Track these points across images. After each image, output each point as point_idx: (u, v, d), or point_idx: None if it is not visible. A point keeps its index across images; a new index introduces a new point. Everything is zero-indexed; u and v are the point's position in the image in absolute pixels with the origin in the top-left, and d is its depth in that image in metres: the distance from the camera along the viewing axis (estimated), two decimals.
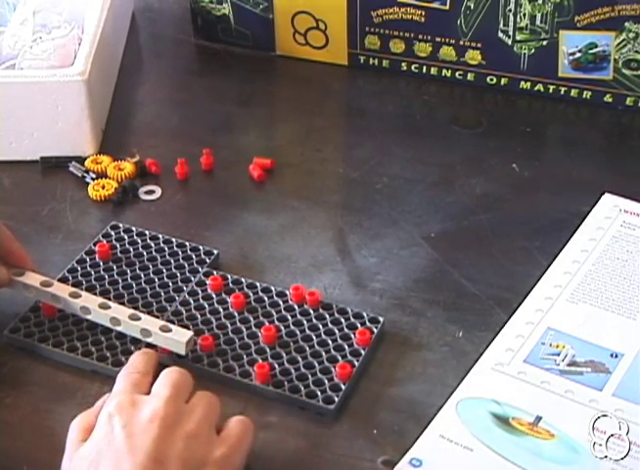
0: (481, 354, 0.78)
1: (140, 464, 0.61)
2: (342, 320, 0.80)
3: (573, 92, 1.07)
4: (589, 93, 1.06)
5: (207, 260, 0.86)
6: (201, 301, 0.82)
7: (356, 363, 0.76)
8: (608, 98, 1.06)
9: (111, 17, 1.08)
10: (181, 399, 0.67)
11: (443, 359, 0.78)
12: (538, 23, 1.04)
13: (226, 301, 0.82)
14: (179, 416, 0.65)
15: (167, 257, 0.87)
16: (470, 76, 1.10)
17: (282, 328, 0.80)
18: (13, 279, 0.80)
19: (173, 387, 0.67)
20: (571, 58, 1.05)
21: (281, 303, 0.82)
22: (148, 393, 0.68)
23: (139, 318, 0.77)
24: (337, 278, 0.86)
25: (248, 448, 0.68)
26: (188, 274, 0.85)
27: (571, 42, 1.04)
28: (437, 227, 0.91)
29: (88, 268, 0.85)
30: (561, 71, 1.06)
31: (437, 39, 1.09)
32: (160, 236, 0.89)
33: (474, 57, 1.09)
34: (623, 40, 1.02)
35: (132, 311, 0.78)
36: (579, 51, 1.04)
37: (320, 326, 0.80)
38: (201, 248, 0.87)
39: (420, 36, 1.09)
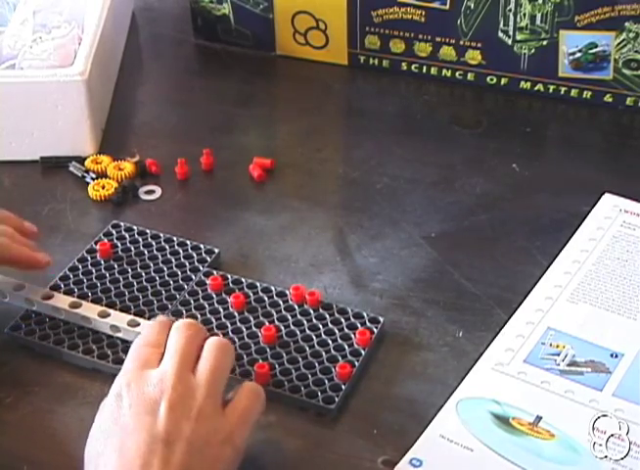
0: (482, 354, 0.78)
1: (145, 443, 0.62)
2: (343, 320, 0.80)
3: (574, 92, 1.07)
4: (589, 93, 1.06)
5: (208, 259, 0.86)
6: (201, 300, 0.82)
7: (356, 363, 0.76)
8: (608, 98, 1.06)
9: (111, 17, 1.08)
10: (188, 369, 0.66)
11: (443, 359, 0.78)
12: (538, 22, 1.04)
13: (226, 300, 0.82)
14: (185, 394, 0.64)
15: (168, 255, 0.87)
16: (470, 76, 1.10)
17: (282, 328, 0.80)
18: (14, 293, 0.81)
19: (180, 356, 0.67)
20: (571, 58, 1.05)
21: (281, 303, 0.82)
22: (158, 365, 0.67)
23: (138, 324, 0.78)
24: (337, 278, 0.86)
25: (253, 422, 0.67)
26: (189, 273, 0.85)
27: (571, 42, 1.04)
28: (438, 227, 0.91)
29: (89, 267, 0.86)
30: (561, 71, 1.06)
31: (437, 39, 1.09)
32: (162, 235, 0.89)
33: (474, 57, 1.09)
34: (623, 40, 1.02)
35: (131, 317, 0.79)
36: (579, 51, 1.04)
37: (320, 326, 0.80)
38: (202, 246, 0.87)
39: (420, 36, 1.09)
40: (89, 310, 0.80)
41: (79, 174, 0.98)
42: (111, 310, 0.80)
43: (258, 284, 0.84)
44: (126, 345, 0.78)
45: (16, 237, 0.81)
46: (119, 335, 0.78)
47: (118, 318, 0.79)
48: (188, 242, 0.88)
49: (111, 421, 0.64)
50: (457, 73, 1.11)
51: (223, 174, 0.99)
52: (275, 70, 1.16)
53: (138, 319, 0.79)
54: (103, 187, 0.96)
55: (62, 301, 0.80)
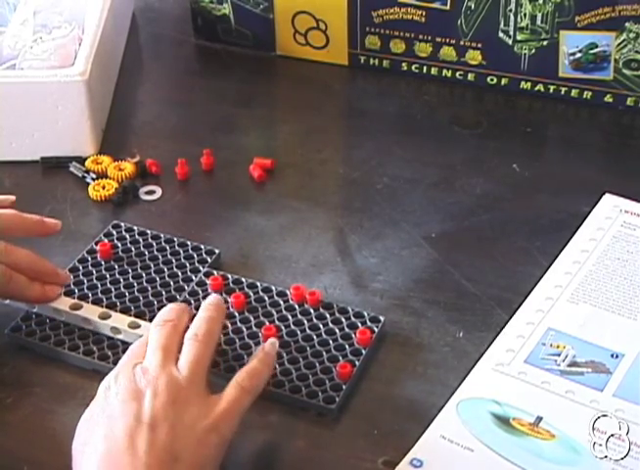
0: (482, 355, 0.78)
1: (131, 426, 0.63)
2: (343, 320, 0.80)
3: (574, 92, 1.07)
4: (589, 93, 1.06)
5: (209, 260, 0.86)
6: (201, 301, 0.82)
7: (357, 363, 0.76)
8: (608, 98, 1.06)
9: (111, 17, 1.08)
10: (171, 361, 0.68)
11: (444, 360, 0.78)
12: (539, 23, 1.04)
13: (227, 300, 0.82)
14: (170, 382, 0.66)
15: (169, 256, 0.87)
16: (470, 77, 1.10)
17: (282, 328, 0.80)
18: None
19: (162, 351, 0.69)
20: (571, 58, 1.05)
21: (281, 302, 0.82)
22: None
23: (138, 326, 0.78)
24: (337, 278, 0.86)
25: (242, 412, 0.68)
26: (190, 273, 0.85)
27: (571, 42, 1.04)
28: (438, 227, 0.91)
29: (90, 267, 0.86)
30: (561, 72, 1.06)
31: (438, 39, 1.09)
32: (162, 235, 0.89)
33: (474, 57, 1.09)
34: (624, 40, 1.02)
35: (131, 319, 0.79)
36: (580, 51, 1.04)
37: (321, 326, 0.80)
38: (202, 247, 0.87)
39: (420, 36, 1.09)
40: (90, 312, 0.80)
41: (80, 175, 0.98)
42: (111, 312, 0.80)
43: (259, 284, 0.84)
44: (126, 346, 0.77)
45: (31, 268, 0.80)
46: (120, 337, 0.78)
47: (119, 320, 0.79)
48: (188, 242, 0.88)
49: (98, 411, 0.66)
50: (457, 74, 1.11)
51: (223, 174, 0.99)
52: (275, 70, 1.16)
53: (139, 321, 0.79)
54: (103, 187, 0.96)
55: (62, 302, 0.80)
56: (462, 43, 1.08)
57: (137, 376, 0.67)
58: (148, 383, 0.66)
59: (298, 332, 0.79)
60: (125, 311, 0.81)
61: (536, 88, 1.08)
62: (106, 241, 0.88)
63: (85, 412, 0.67)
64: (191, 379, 0.67)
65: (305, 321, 0.80)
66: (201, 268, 0.85)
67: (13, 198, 0.85)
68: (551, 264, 0.86)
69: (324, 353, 0.77)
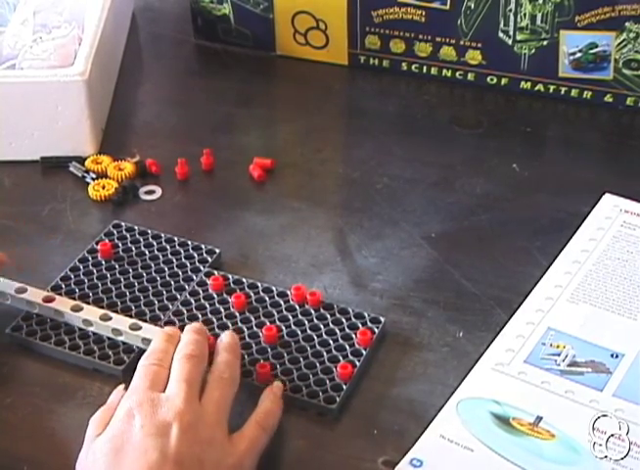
0: (482, 355, 0.78)
1: (157, 463, 0.62)
2: (344, 320, 0.80)
3: (574, 92, 1.07)
4: (589, 93, 1.06)
5: (209, 259, 0.86)
6: (202, 300, 0.82)
7: (357, 363, 0.76)
8: (608, 98, 1.06)
9: (111, 17, 1.08)
10: (195, 396, 0.68)
11: (444, 360, 0.78)
12: (539, 22, 1.04)
13: (227, 301, 0.82)
14: (196, 419, 0.66)
15: (169, 255, 0.87)
16: (470, 76, 1.10)
17: (283, 328, 0.80)
18: (15, 296, 0.81)
19: (186, 385, 0.68)
20: (571, 58, 1.05)
21: (282, 303, 0.82)
22: (166, 385, 0.69)
23: (140, 328, 0.78)
24: (337, 278, 0.86)
25: (261, 449, 0.69)
26: (190, 273, 0.85)
27: (571, 42, 1.04)
28: (438, 227, 0.91)
29: (90, 267, 0.86)
30: (561, 71, 1.06)
31: (438, 39, 1.09)
32: (163, 235, 0.89)
33: (474, 57, 1.09)
34: (624, 40, 1.02)
35: (132, 321, 0.79)
36: (580, 51, 1.04)
37: (321, 326, 0.80)
38: (203, 246, 0.87)
39: (420, 36, 1.09)
40: (91, 314, 0.79)
41: (79, 174, 0.98)
42: (112, 314, 0.79)
43: (259, 284, 0.84)
44: (127, 346, 0.78)
45: None
46: (121, 338, 0.78)
47: (120, 322, 0.79)
48: (189, 242, 0.88)
49: (121, 439, 0.64)
50: (457, 74, 1.11)
51: (223, 174, 0.99)
52: (275, 71, 1.16)
53: (140, 323, 0.78)
54: (103, 187, 0.96)
55: (63, 304, 0.80)
56: (462, 43, 1.08)
57: (163, 408, 0.66)
58: (175, 417, 0.65)
59: (299, 332, 0.79)
60: (126, 311, 0.81)
61: (536, 88, 1.08)
62: (106, 240, 0.88)
63: (104, 434, 0.65)
64: (217, 418, 0.67)
65: (306, 322, 0.80)
66: (201, 268, 0.85)
67: None
68: (551, 264, 0.86)
69: (324, 354, 0.77)
